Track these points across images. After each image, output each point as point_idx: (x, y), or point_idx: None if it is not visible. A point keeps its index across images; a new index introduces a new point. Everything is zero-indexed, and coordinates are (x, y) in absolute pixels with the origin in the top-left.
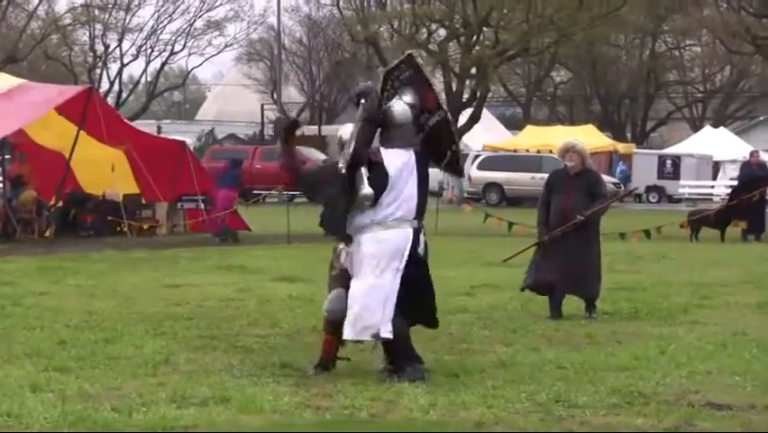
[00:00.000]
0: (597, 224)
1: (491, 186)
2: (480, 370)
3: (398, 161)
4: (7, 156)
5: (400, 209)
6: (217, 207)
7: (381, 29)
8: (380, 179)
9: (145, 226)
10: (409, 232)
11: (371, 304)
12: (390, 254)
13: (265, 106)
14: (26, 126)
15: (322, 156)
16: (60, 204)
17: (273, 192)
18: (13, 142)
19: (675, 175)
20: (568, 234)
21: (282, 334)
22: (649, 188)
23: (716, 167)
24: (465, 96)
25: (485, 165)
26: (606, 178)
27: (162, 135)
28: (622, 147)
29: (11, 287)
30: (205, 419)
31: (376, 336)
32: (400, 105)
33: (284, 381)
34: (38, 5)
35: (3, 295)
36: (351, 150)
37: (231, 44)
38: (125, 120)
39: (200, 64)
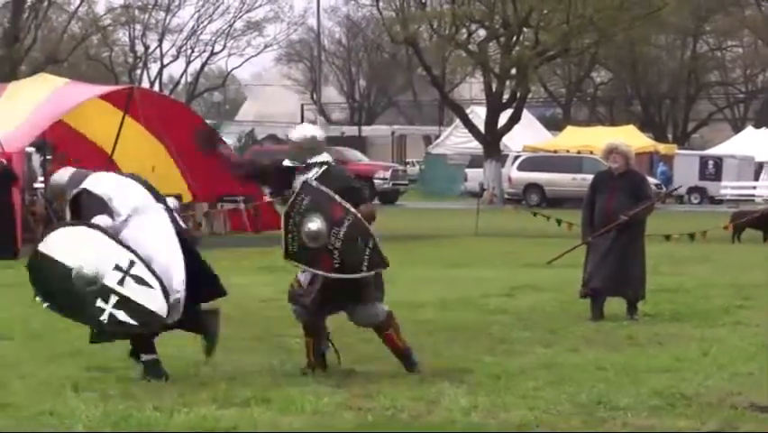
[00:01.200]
0: (642, 225)
1: (532, 187)
2: (520, 371)
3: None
4: (49, 156)
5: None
6: None
7: (421, 29)
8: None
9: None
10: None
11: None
12: (161, 233)
13: (305, 107)
14: (69, 119)
15: (362, 156)
16: None
17: None
18: (54, 144)
19: (717, 176)
20: (613, 235)
21: None
22: (691, 190)
23: (758, 168)
24: (505, 96)
25: (525, 166)
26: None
27: None
28: (663, 148)
29: None
30: (247, 420)
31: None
32: None
33: (325, 381)
34: (78, 6)
35: None
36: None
37: (270, 45)
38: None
39: (240, 65)
